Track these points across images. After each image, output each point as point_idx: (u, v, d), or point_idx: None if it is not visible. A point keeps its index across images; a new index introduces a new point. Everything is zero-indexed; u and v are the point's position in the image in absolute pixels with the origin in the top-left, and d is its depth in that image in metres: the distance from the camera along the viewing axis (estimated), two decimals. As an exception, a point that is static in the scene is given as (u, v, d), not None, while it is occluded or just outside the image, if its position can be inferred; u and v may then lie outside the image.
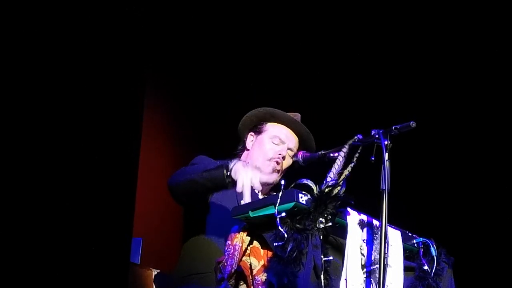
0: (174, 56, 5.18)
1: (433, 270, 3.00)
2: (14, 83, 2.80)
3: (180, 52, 5.20)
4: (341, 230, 2.74)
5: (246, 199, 2.84)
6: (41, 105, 2.87)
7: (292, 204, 2.63)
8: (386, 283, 2.80)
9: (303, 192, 2.67)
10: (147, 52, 3.46)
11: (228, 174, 2.91)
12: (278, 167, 3.40)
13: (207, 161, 3.24)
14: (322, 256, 2.62)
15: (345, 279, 2.68)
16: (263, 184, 3.18)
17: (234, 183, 2.91)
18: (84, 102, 3.02)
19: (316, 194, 2.65)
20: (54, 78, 2.93)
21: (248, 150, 3.48)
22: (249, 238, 2.79)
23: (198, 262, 3.12)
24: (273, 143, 3.42)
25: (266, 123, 3.47)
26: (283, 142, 3.43)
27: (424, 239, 3.07)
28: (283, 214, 2.62)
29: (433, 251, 3.04)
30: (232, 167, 2.91)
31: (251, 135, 3.49)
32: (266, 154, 3.40)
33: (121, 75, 3.21)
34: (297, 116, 3.51)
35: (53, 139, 2.90)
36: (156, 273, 3.68)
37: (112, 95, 3.15)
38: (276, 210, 2.63)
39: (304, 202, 2.64)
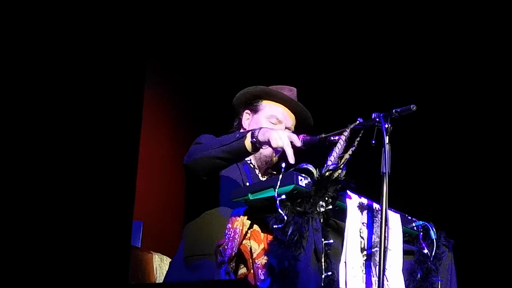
0: (174, 41, 5.16)
1: (433, 254, 3.00)
2: (12, 71, 2.79)
3: (180, 36, 5.18)
4: (342, 213, 2.75)
5: (290, 157, 2.85)
6: (39, 89, 2.86)
7: (291, 186, 2.64)
8: (386, 266, 2.81)
9: (303, 175, 2.67)
10: (147, 37, 3.45)
11: (254, 140, 2.91)
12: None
13: (211, 138, 3.24)
14: (323, 239, 2.62)
15: (345, 262, 2.69)
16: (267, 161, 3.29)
17: (260, 146, 2.93)
18: (84, 85, 3.02)
19: (317, 178, 2.65)
20: (53, 64, 2.93)
21: (244, 129, 3.46)
22: (249, 222, 2.80)
23: (202, 243, 3.13)
24: (271, 122, 3.40)
25: (261, 101, 3.45)
26: (280, 122, 3.42)
27: (423, 222, 3.07)
28: (283, 196, 2.62)
29: (433, 234, 3.04)
30: (258, 132, 2.91)
31: (246, 113, 3.46)
32: None
33: (122, 58, 3.20)
34: (293, 91, 3.49)
35: (53, 122, 2.90)
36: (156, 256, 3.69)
37: (112, 77, 3.14)
38: (276, 193, 2.64)
39: (303, 185, 2.64)
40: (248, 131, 2.99)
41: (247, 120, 3.45)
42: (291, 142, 2.91)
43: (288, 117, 3.44)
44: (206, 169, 3.10)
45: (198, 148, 3.12)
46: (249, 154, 2.99)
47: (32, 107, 2.85)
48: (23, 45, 2.80)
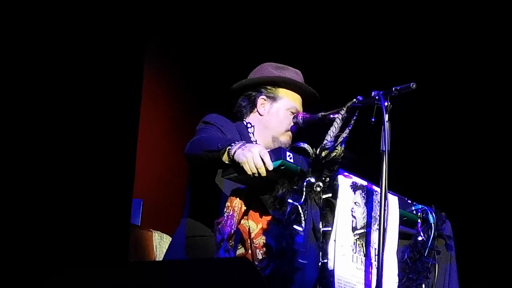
0: (174, 17, 5.14)
1: (430, 239, 2.99)
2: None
3: (181, 13, 5.15)
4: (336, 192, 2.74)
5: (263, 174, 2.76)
6: (35, 67, 2.86)
7: (279, 162, 2.66)
8: (384, 246, 2.81)
9: (292, 152, 2.69)
10: (147, 14, 3.43)
11: (230, 159, 2.82)
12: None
13: (218, 120, 3.26)
14: (321, 226, 2.62)
15: (334, 240, 2.68)
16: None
17: (236, 167, 2.83)
18: (84, 63, 3.01)
19: (312, 158, 2.65)
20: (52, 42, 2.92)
21: (261, 115, 3.44)
22: (247, 200, 2.80)
23: (203, 224, 3.13)
24: (291, 112, 3.41)
25: (277, 89, 3.43)
26: (298, 111, 3.43)
27: (423, 206, 3.05)
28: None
29: (431, 218, 3.02)
30: (235, 151, 2.81)
31: (262, 98, 3.43)
32: (285, 125, 3.40)
33: (121, 33, 3.19)
34: (298, 73, 3.48)
35: (52, 100, 2.89)
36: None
37: (112, 55, 3.13)
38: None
39: (292, 161, 2.65)
40: (228, 143, 2.88)
41: (262, 106, 3.42)
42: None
43: (301, 105, 3.47)
44: (200, 166, 3.11)
45: (197, 143, 3.09)
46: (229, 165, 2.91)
47: (29, 87, 2.84)
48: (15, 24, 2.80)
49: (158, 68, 5.09)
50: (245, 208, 2.79)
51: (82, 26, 3.01)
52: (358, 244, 2.76)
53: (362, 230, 2.75)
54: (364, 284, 2.75)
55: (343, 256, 2.68)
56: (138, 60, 3.33)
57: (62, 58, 2.94)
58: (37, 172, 2.81)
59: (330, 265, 2.64)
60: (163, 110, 5.21)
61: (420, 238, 2.97)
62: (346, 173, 2.76)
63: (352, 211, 2.75)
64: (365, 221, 2.77)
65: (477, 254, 4.73)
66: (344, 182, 2.74)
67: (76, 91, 2.98)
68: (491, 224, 4.98)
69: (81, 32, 3.00)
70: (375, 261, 2.75)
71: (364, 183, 2.82)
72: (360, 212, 2.79)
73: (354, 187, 2.77)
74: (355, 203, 2.77)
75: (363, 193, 2.79)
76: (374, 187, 2.85)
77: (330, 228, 2.64)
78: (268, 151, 2.72)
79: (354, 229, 2.75)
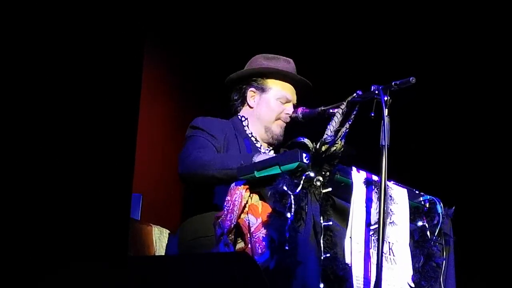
0: (175, 16, 5.13)
1: (437, 230, 3.00)
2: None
3: (181, 12, 5.15)
4: (347, 190, 2.74)
5: None
6: (34, 58, 2.85)
7: (296, 164, 2.65)
8: (392, 240, 2.82)
9: (307, 152, 2.68)
10: (147, 13, 3.43)
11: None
12: (285, 124, 3.43)
13: (206, 124, 3.27)
14: (322, 220, 2.62)
15: (350, 237, 2.69)
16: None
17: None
18: (84, 60, 3.00)
19: (312, 152, 2.65)
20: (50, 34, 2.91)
21: (251, 107, 3.45)
22: (248, 194, 2.80)
23: (204, 225, 3.13)
24: (281, 102, 3.42)
25: (266, 80, 3.44)
26: (289, 101, 3.44)
27: (431, 197, 3.06)
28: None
29: (439, 208, 3.03)
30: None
31: (251, 91, 3.45)
32: (276, 115, 3.41)
33: (121, 33, 3.18)
34: (291, 62, 3.49)
35: (50, 94, 2.89)
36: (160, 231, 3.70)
37: (111, 47, 3.12)
38: (280, 170, 2.66)
39: (308, 162, 2.65)
40: (250, 159, 2.95)
41: (252, 98, 3.44)
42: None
43: (294, 94, 3.47)
44: (202, 183, 3.14)
45: (196, 162, 3.10)
46: None
47: (27, 85, 2.84)
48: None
49: (157, 60, 5.08)
50: (245, 202, 2.79)
51: (81, 24, 3.00)
52: (373, 240, 2.76)
53: (376, 226, 2.75)
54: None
55: (359, 253, 2.69)
56: (137, 50, 3.33)
57: (61, 57, 2.94)
58: (37, 168, 2.81)
59: (348, 261, 2.64)
60: (163, 105, 5.20)
61: (424, 224, 2.98)
62: (357, 169, 2.77)
63: (366, 207, 2.76)
64: (377, 216, 2.76)
65: (476, 253, 4.73)
66: (357, 178, 2.75)
67: (76, 86, 2.98)
68: (491, 222, 4.97)
69: (80, 31, 2.99)
70: (389, 255, 2.76)
71: (376, 178, 2.81)
72: (373, 208, 2.79)
73: (367, 183, 2.78)
74: (368, 199, 2.78)
75: (376, 189, 2.79)
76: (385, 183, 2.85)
77: (330, 223, 2.64)
78: (286, 153, 2.73)
79: (368, 225, 2.76)
